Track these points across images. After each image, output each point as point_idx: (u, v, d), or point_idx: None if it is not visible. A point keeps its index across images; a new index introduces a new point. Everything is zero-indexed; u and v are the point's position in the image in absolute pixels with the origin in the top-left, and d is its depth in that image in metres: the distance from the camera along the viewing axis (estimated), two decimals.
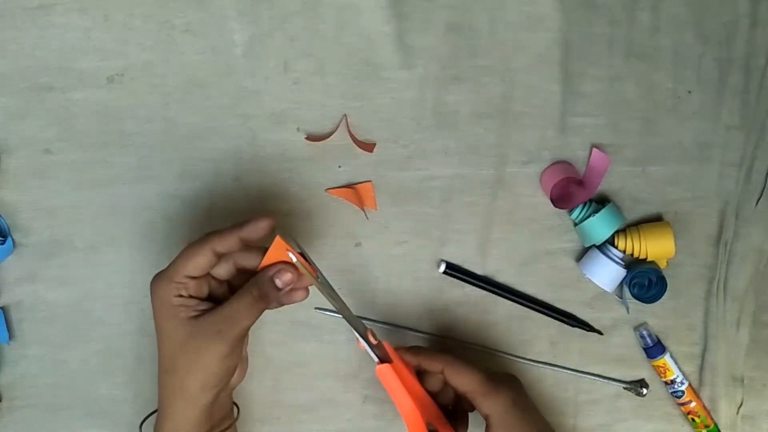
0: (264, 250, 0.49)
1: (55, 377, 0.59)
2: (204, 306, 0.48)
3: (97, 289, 0.58)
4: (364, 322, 0.52)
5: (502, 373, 0.52)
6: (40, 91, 0.56)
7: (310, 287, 0.50)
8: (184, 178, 0.57)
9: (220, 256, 0.48)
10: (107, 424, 0.59)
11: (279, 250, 0.48)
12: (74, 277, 0.58)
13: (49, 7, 0.56)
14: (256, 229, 0.48)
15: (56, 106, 0.57)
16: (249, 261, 0.49)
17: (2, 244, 0.56)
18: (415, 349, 0.52)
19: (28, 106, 0.56)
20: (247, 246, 0.49)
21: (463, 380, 0.50)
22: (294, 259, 0.48)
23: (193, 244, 0.47)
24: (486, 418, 0.49)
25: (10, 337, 0.58)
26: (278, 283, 0.48)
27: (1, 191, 0.57)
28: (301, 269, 0.48)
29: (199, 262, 0.47)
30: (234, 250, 0.48)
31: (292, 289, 0.49)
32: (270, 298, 0.48)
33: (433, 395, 0.52)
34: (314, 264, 0.50)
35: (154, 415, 0.49)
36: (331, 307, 0.58)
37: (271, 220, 0.48)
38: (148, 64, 0.56)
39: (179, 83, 0.57)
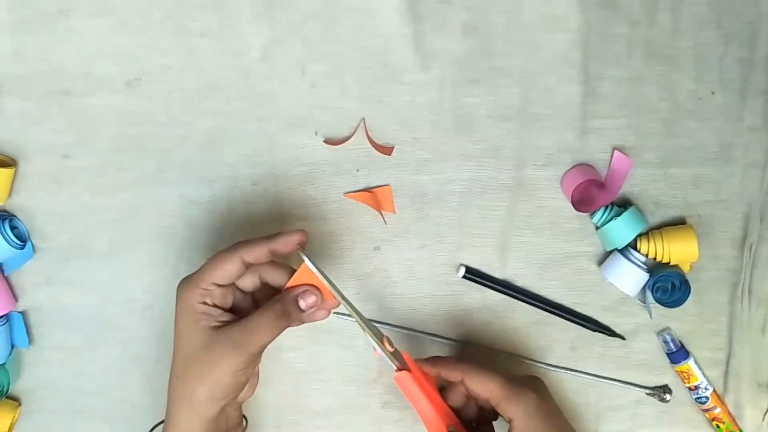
0: (291, 270, 0.49)
1: (73, 382, 0.59)
2: (226, 317, 0.48)
3: (115, 293, 0.58)
4: (381, 328, 0.51)
5: (524, 376, 0.52)
6: (58, 96, 0.56)
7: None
8: (202, 183, 0.57)
9: (248, 266, 0.48)
10: (125, 429, 0.59)
11: (306, 273, 0.48)
12: (93, 281, 0.58)
13: (67, 12, 0.56)
14: (288, 242, 0.48)
15: (74, 111, 0.57)
16: (275, 277, 0.50)
17: (21, 248, 0.56)
18: (433, 359, 0.52)
19: (46, 111, 0.57)
20: (276, 262, 0.49)
21: (484, 387, 0.49)
22: (321, 279, 0.48)
23: (222, 252, 0.48)
24: (510, 422, 0.48)
25: (30, 341, 0.58)
26: (302, 304, 0.48)
27: (19, 196, 0.57)
28: (326, 291, 0.49)
29: (228, 269, 0.47)
30: (263, 261, 0.48)
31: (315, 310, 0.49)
32: (292, 317, 0.48)
33: (457, 412, 0.52)
34: (334, 283, 0.49)
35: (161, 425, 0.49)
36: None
37: (303, 235, 0.49)
38: (166, 68, 0.56)
39: (197, 87, 0.56)
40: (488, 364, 0.55)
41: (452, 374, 0.51)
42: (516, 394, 0.48)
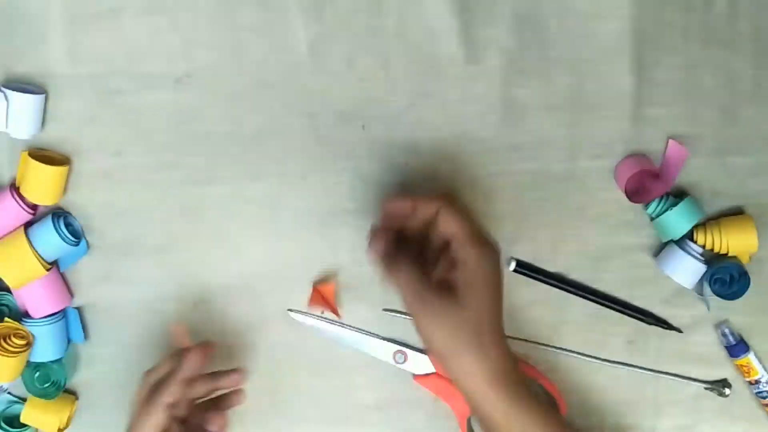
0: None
1: (128, 376, 0.59)
2: None
3: (168, 289, 0.58)
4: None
5: (491, 238, 0.49)
6: (110, 94, 0.57)
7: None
8: (252, 178, 0.57)
9: (173, 406, 0.50)
10: None
11: None
12: (146, 277, 0.58)
13: (117, 10, 0.56)
14: (194, 364, 0.50)
15: (126, 109, 0.57)
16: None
17: (76, 245, 0.57)
18: (412, 197, 0.50)
19: (99, 109, 0.57)
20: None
21: (453, 224, 0.48)
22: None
23: (143, 408, 0.50)
24: (463, 264, 0.47)
25: (85, 336, 0.59)
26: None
27: (74, 194, 0.58)
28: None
29: (158, 422, 0.49)
30: (182, 394, 0.50)
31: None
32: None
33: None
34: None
35: None
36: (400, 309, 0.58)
37: (204, 350, 0.51)
38: (215, 65, 0.57)
39: (245, 83, 0.57)
40: (542, 359, 0.56)
41: (429, 208, 0.49)
42: (480, 241, 0.47)
